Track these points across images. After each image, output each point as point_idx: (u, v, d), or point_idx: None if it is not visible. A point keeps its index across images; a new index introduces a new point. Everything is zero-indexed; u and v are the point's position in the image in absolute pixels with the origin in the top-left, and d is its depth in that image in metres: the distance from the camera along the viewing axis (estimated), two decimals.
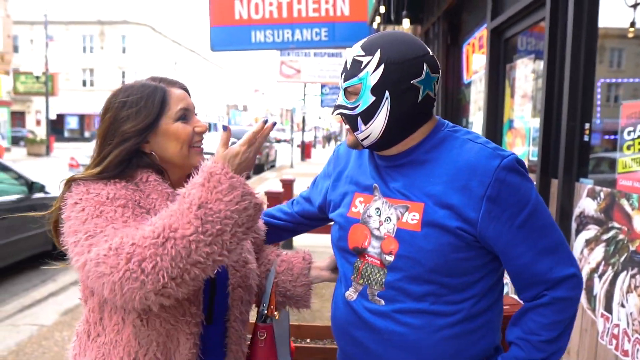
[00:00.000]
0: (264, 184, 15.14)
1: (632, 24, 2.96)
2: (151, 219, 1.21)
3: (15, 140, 34.98)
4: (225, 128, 1.24)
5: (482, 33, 4.70)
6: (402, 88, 1.28)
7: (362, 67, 1.30)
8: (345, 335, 1.40)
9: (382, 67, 1.27)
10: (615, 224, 2.33)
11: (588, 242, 2.55)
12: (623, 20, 2.81)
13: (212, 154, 1.27)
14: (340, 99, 1.37)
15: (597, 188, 2.48)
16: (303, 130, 30.73)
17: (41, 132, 36.87)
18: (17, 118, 41.83)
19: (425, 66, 1.29)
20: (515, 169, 1.26)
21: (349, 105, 1.34)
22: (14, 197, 6.17)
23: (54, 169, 17.52)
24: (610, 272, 2.36)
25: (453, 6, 5.48)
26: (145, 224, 1.20)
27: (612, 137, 2.62)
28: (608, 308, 2.36)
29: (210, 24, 10.10)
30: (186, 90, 1.45)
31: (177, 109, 1.38)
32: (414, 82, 1.28)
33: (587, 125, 2.65)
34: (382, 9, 5.71)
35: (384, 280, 1.33)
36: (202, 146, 1.43)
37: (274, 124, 1.31)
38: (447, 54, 5.85)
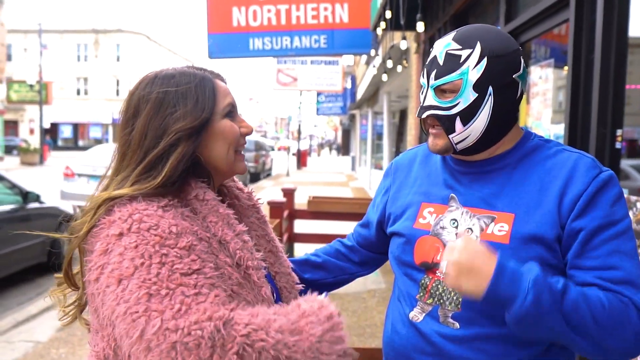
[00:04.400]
0: (261, 193, 14.98)
1: None
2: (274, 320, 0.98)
3: (9, 149, 34.73)
4: None
5: None
6: (504, 83, 1.18)
7: (461, 61, 1.18)
8: None
9: (485, 61, 1.17)
10: None
11: None
12: None
13: None
14: (430, 99, 1.23)
15: (633, 198, 2.34)
16: (299, 138, 30.63)
17: (35, 141, 36.59)
18: (10, 127, 41.58)
19: (522, 60, 1.21)
20: (614, 184, 1.15)
21: (443, 105, 1.20)
22: (8, 207, 5.99)
23: (47, 178, 17.31)
24: None
25: (460, 11, 5.37)
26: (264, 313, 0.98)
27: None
28: None
29: (207, 31, 9.99)
30: (226, 83, 1.25)
31: (225, 104, 1.17)
32: (515, 77, 1.19)
33: (619, 132, 2.52)
34: (389, 14, 5.58)
35: (460, 299, 1.18)
36: (244, 152, 1.24)
37: None
38: None
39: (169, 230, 0.99)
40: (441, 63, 1.20)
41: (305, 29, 9.79)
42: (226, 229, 1.10)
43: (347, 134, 42.83)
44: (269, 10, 9.84)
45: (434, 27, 6.31)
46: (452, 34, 1.23)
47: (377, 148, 20.08)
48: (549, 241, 1.13)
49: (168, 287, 0.92)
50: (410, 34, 7.28)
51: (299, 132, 31.04)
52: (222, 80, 1.22)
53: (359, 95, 20.30)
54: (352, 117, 32.14)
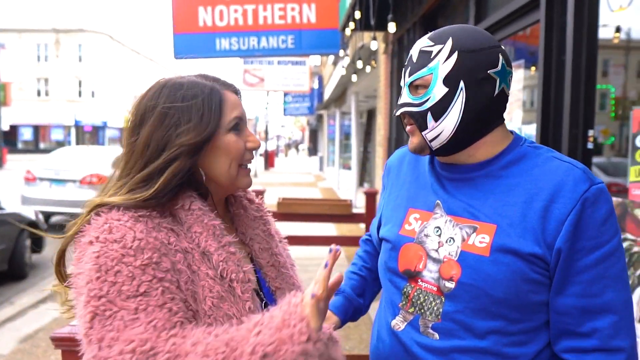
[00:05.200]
0: None
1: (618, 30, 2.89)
2: (199, 335, 0.96)
3: None
4: (330, 250, 0.98)
5: None
6: (478, 78, 1.14)
7: (431, 57, 1.16)
8: None
9: (455, 55, 1.14)
10: (629, 236, 2.21)
11: None
12: None
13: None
14: (405, 96, 1.21)
15: None
16: (266, 139, 30.48)
17: None
18: None
19: (500, 57, 1.16)
20: (605, 200, 1.10)
21: (415, 101, 1.18)
22: None
23: (7, 182, 16.77)
24: None
25: (429, 12, 5.38)
26: (191, 338, 0.95)
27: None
28: None
29: (173, 31, 9.83)
30: (239, 94, 1.21)
31: (232, 118, 1.14)
32: (491, 73, 1.15)
33: (590, 132, 2.54)
34: (358, 15, 5.55)
35: (441, 310, 1.15)
36: (249, 166, 1.20)
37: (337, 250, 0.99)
38: None
39: (130, 245, 0.99)
40: (414, 61, 1.20)
41: (273, 29, 9.72)
42: (210, 239, 1.08)
43: (314, 134, 42.84)
44: (235, 10, 9.74)
45: (403, 28, 6.32)
46: (429, 34, 1.23)
47: (345, 148, 20.11)
48: (530, 256, 1.09)
49: (111, 309, 0.95)
50: (379, 34, 7.28)
51: (266, 132, 30.90)
52: (234, 91, 1.20)
53: (327, 95, 20.31)
54: (320, 117, 32.18)
